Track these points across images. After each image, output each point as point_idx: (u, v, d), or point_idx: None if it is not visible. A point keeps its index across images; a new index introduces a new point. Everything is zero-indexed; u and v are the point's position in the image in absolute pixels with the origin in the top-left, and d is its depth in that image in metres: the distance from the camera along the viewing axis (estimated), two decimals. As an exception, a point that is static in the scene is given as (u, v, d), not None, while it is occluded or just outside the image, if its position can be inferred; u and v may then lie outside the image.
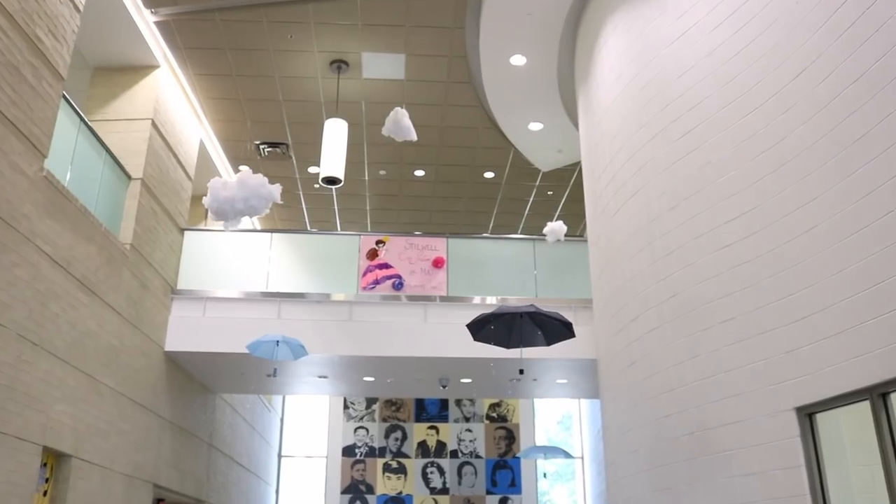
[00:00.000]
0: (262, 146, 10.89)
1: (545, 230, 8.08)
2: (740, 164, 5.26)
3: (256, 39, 8.76)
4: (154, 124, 8.68)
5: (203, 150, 10.60)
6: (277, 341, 7.63)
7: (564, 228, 8.10)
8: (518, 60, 8.79)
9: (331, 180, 8.63)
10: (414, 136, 6.57)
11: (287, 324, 8.84)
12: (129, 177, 8.30)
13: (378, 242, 9.62)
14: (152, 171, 8.63)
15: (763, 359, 4.87)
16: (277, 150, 10.91)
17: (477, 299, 9.36)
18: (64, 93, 6.59)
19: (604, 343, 7.43)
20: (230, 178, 5.54)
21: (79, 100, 8.30)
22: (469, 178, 11.90)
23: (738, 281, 5.14)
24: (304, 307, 9.25)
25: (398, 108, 6.55)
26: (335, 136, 8.68)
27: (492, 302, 9.27)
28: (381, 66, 9.31)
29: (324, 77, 9.45)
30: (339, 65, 9.18)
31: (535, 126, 10.13)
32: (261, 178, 5.43)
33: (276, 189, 5.43)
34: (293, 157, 11.19)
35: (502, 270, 9.77)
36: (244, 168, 9.77)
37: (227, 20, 8.41)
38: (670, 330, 5.84)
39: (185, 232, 9.67)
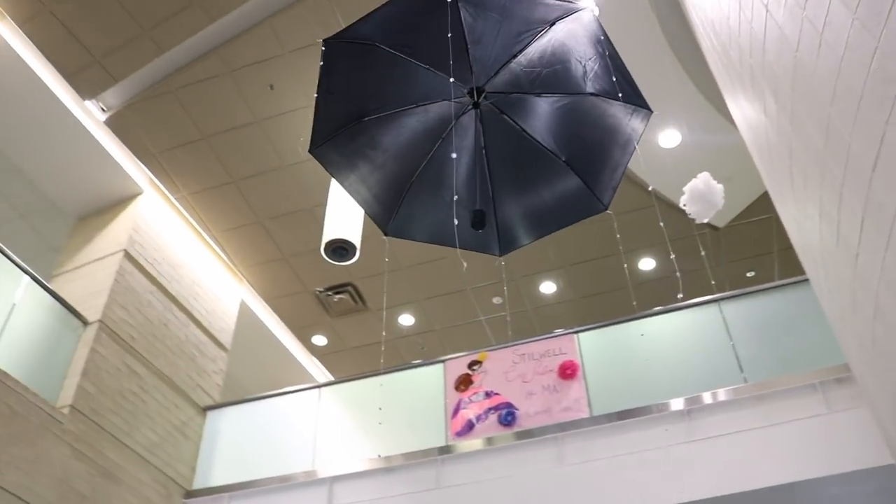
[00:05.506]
0: (326, 293, 8.18)
1: (684, 189, 4.38)
2: None
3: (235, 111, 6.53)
4: (128, 255, 6.39)
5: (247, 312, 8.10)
6: None
7: (719, 191, 4.31)
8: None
9: (340, 247, 5.50)
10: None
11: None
12: (84, 322, 5.87)
13: (472, 365, 6.14)
14: (123, 315, 6.13)
15: None
16: (344, 295, 8.14)
17: (642, 413, 5.31)
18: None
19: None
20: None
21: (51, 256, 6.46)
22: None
23: None
24: (364, 483, 5.76)
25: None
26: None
27: (678, 408, 5.19)
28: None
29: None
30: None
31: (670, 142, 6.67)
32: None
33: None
34: (363, 301, 8.25)
35: (676, 359, 5.71)
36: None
37: (185, 86, 6.29)
38: None
39: (209, 412, 6.84)
